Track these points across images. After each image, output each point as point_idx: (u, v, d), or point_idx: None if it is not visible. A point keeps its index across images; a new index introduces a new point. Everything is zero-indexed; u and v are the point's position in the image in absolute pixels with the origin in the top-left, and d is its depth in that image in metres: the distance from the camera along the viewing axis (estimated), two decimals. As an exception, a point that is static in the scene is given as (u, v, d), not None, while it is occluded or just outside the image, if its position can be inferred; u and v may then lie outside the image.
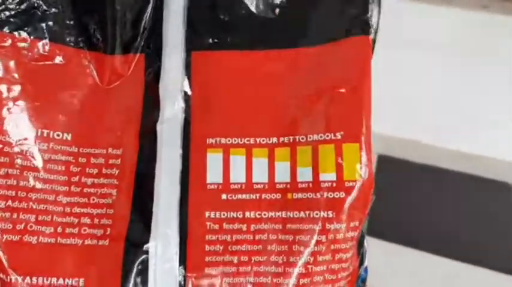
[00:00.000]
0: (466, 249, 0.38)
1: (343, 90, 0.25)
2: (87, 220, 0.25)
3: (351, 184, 0.24)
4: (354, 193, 0.24)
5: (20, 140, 0.24)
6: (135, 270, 0.24)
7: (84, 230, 0.25)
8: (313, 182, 0.24)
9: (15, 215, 0.23)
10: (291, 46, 0.26)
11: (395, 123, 0.38)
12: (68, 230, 0.24)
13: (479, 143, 0.39)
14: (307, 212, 0.24)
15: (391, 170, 0.37)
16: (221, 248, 0.24)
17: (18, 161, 0.24)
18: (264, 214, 0.25)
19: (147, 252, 0.24)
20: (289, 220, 0.25)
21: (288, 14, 0.27)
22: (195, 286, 0.24)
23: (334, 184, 0.24)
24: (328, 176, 0.24)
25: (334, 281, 0.25)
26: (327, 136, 0.24)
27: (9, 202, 0.23)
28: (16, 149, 0.24)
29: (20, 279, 0.23)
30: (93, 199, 0.25)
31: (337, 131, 0.24)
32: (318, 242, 0.24)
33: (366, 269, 0.28)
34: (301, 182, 0.25)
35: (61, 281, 0.24)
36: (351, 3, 0.26)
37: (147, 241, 0.24)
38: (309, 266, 0.24)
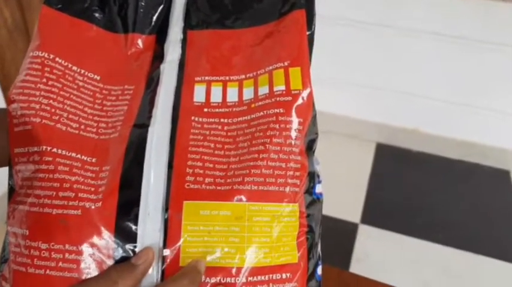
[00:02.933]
0: (465, 236, 0.43)
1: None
2: (103, 125, 0.34)
3: (295, 91, 0.33)
4: (299, 99, 0.33)
5: (69, 67, 0.35)
6: (135, 144, 0.32)
7: (101, 130, 0.33)
8: (269, 93, 0.34)
9: (53, 110, 0.32)
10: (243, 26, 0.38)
11: (394, 112, 0.46)
12: (88, 129, 0.33)
13: (478, 131, 0.46)
14: (264, 111, 0.33)
15: (389, 158, 0.44)
16: (201, 138, 0.33)
17: (62, 80, 0.34)
18: (234, 119, 0.34)
19: (146, 132, 0.32)
20: (252, 119, 0.33)
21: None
22: (180, 160, 0.31)
23: (284, 92, 0.34)
24: (279, 87, 0.34)
25: (286, 167, 0.32)
26: (278, 65, 0.35)
27: (51, 101, 0.33)
28: (68, 76, 0.34)
29: (49, 149, 0.31)
30: (110, 113, 0.34)
31: (285, 60, 0.35)
32: (272, 129, 0.32)
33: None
34: (261, 95, 0.34)
35: (79, 156, 0.31)
36: None
37: (148, 125, 0.32)
38: (267, 145, 0.32)
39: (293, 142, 0.33)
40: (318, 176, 0.36)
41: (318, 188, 0.36)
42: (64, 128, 0.32)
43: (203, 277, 0.30)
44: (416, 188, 0.38)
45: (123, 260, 0.29)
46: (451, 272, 0.39)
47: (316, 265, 0.34)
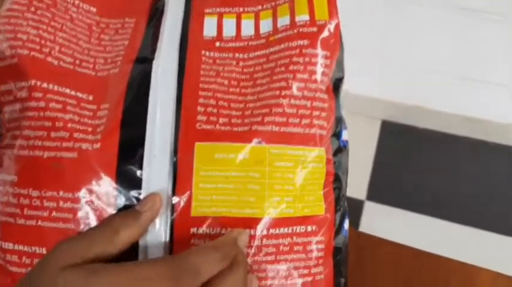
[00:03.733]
0: (471, 212, 0.39)
1: None
2: (101, 60, 0.29)
3: (321, 22, 0.29)
4: (325, 30, 0.29)
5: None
6: (138, 79, 0.27)
7: (98, 66, 0.29)
8: (290, 24, 0.29)
9: (42, 41, 0.28)
10: None
11: (399, 88, 0.42)
12: (84, 64, 0.29)
13: (484, 107, 0.42)
14: (286, 44, 0.29)
15: (395, 135, 0.40)
16: (214, 74, 0.29)
17: (53, 10, 0.30)
18: (251, 54, 0.30)
19: (150, 66, 0.28)
20: (271, 53, 0.29)
21: None
22: (190, 97, 0.27)
23: (308, 22, 0.29)
24: (302, 17, 0.29)
25: (312, 106, 0.28)
26: None
27: (40, 31, 0.28)
28: (59, 6, 0.30)
29: (39, 83, 0.27)
30: (108, 48, 0.30)
31: None
32: (295, 63, 0.28)
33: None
34: (281, 27, 0.30)
35: (73, 92, 0.27)
36: None
37: (152, 59, 0.28)
38: (289, 81, 0.28)
39: (319, 78, 0.28)
40: (344, 122, 0.32)
41: (344, 135, 0.32)
42: (56, 62, 0.28)
43: (218, 229, 0.26)
44: (422, 165, 0.36)
45: (126, 208, 0.25)
46: (457, 248, 0.37)
47: (343, 219, 0.30)
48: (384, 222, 0.41)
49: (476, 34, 0.43)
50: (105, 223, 0.24)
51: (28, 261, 0.25)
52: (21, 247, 0.25)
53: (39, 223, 0.25)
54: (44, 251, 0.25)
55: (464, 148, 0.42)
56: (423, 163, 0.42)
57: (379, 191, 0.41)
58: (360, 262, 0.39)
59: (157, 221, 0.25)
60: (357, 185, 0.42)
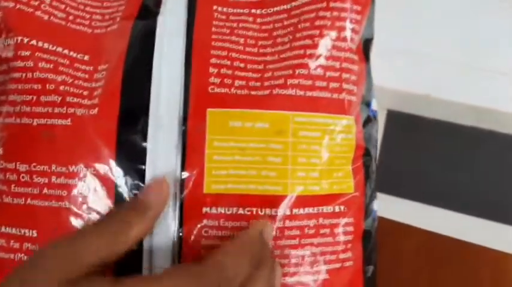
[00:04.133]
0: (479, 203, 0.36)
1: None
2: (98, 17, 0.26)
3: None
4: None
5: None
6: (141, 37, 0.24)
7: (95, 23, 0.25)
8: None
9: (31, -7, 0.24)
10: None
11: (405, 77, 0.39)
12: (79, 20, 0.25)
13: (492, 96, 0.39)
14: None
15: (401, 125, 0.37)
16: (227, 31, 0.25)
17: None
18: (269, 10, 0.26)
19: (154, 22, 0.24)
20: (293, 8, 0.25)
21: None
22: (201, 57, 0.24)
23: None
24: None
25: (341, 67, 0.24)
26: None
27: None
28: None
29: (26, 40, 0.23)
30: (106, 3, 0.26)
31: None
32: (321, 18, 0.24)
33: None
34: None
35: (66, 51, 0.24)
36: None
37: (157, 14, 0.24)
38: (315, 38, 0.24)
39: (349, 36, 0.25)
40: (373, 90, 0.28)
41: (374, 104, 0.28)
42: (46, 17, 0.24)
43: (235, 209, 0.22)
44: (429, 156, 0.34)
45: (128, 185, 0.22)
46: (465, 239, 0.35)
47: (372, 198, 0.27)
48: (391, 213, 0.38)
49: (487, 22, 0.40)
50: (112, 215, 0.20)
51: (17, 245, 0.22)
52: (8, 230, 0.22)
53: (29, 201, 0.22)
54: (35, 234, 0.22)
55: (472, 138, 0.40)
56: (431, 154, 0.39)
57: (386, 182, 0.38)
58: (381, 249, 0.35)
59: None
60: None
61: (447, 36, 0.40)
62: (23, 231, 0.22)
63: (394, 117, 0.41)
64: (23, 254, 0.22)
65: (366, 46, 0.26)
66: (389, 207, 0.38)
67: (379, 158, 0.38)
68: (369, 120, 0.27)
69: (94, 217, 0.22)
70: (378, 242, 0.27)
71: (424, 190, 0.38)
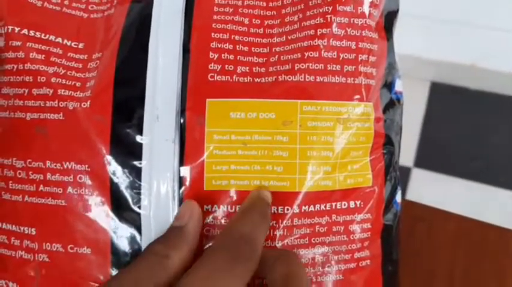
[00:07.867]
0: None
1: None
2: (96, 0, 0.24)
3: None
4: None
5: None
6: (136, 23, 0.22)
7: (92, 7, 0.24)
8: None
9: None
10: None
11: (449, 47, 0.35)
12: (74, 5, 0.24)
13: None
14: None
15: (445, 97, 0.34)
16: (231, 10, 0.23)
17: None
18: None
19: (151, 6, 0.22)
20: None
21: None
22: (200, 41, 0.22)
23: None
24: None
25: (357, 48, 0.22)
26: None
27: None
28: None
29: (17, 29, 0.22)
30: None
31: None
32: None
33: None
34: None
35: (59, 39, 0.22)
36: None
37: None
38: (328, 16, 0.21)
39: (367, 11, 0.22)
40: (397, 69, 0.25)
41: (398, 85, 0.25)
42: (40, 3, 0.23)
43: (238, 207, 0.21)
44: (474, 129, 0.30)
45: (124, 182, 0.21)
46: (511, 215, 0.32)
47: (394, 191, 0.24)
48: (434, 190, 0.35)
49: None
50: (145, 253, 0.19)
51: (17, 243, 0.21)
52: (9, 226, 0.22)
53: (26, 198, 0.21)
54: (34, 232, 0.21)
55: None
56: (476, 127, 0.36)
57: (428, 157, 0.35)
58: (413, 234, 0.33)
59: (162, 197, 0.20)
60: (403, 152, 0.36)
61: (491, 2, 0.37)
62: (22, 228, 0.21)
63: (439, 89, 0.38)
64: (23, 252, 0.21)
65: (388, 21, 0.23)
66: (430, 183, 0.36)
67: (421, 132, 0.35)
68: (392, 104, 0.24)
69: (91, 216, 0.21)
70: (408, 230, 0.25)
71: (469, 165, 0.36)
